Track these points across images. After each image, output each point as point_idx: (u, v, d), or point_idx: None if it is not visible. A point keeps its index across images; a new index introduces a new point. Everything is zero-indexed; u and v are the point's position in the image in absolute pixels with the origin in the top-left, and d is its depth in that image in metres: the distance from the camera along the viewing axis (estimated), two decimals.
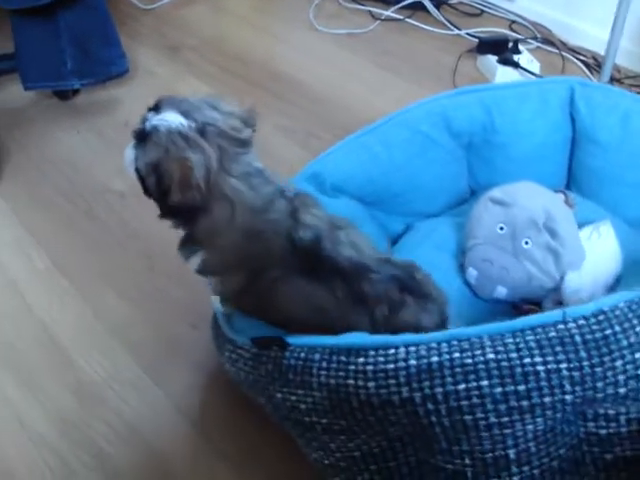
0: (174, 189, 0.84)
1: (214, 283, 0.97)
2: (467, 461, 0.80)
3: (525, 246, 1.14)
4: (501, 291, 1.16)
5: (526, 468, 0.81)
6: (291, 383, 0.86)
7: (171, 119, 0.86)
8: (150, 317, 1.30)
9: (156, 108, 0.91)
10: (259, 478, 1.06)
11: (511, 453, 0.79)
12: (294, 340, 0.88)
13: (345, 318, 0.89)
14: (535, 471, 0.81)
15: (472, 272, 1.18)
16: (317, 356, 0.85)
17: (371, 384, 0.80)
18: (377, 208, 1.32)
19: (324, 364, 0.83)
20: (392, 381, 0.79)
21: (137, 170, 0.90)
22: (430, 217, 1.36)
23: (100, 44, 1.76)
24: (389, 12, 2.25)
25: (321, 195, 1.22)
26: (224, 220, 0.87)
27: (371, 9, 2.28)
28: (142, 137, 0.89)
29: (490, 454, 0.79)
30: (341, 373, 0.82)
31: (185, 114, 0.87)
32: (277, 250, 0.87)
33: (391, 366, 0.79)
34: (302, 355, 0.86)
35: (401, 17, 2.24)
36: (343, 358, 0.82)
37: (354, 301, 0.88)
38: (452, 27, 2.16)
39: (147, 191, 0.90)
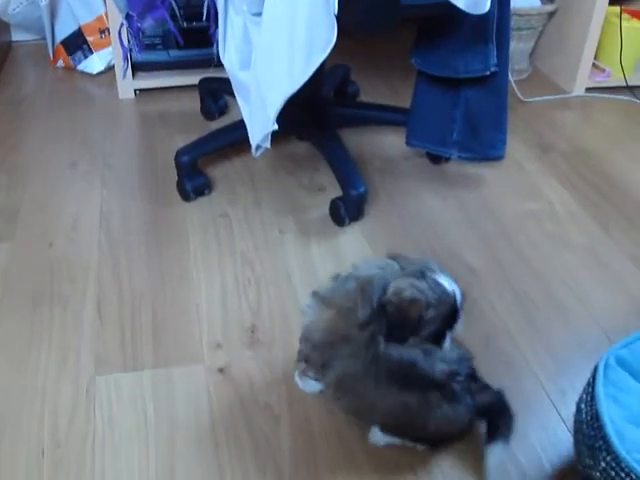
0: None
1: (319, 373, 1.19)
2: None
3: None
4: None
5: None
6: None
7: (407, 293, 1.01)
8: None
9: (424, 273, 1.05)
10: None
11: None
12: None
13: (437, 412, 1.10)
14: None
15: None
16: None
17: None
18: None
19: None
20: None
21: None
22: None
23: (489, 126, 1.83)
24: None
25: None
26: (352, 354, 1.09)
27: None
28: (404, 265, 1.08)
29: None
30: None
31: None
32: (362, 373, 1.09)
33: None
34: None
35: None
36: None
37: (447, 400, 1.10)
38: None
39: None
